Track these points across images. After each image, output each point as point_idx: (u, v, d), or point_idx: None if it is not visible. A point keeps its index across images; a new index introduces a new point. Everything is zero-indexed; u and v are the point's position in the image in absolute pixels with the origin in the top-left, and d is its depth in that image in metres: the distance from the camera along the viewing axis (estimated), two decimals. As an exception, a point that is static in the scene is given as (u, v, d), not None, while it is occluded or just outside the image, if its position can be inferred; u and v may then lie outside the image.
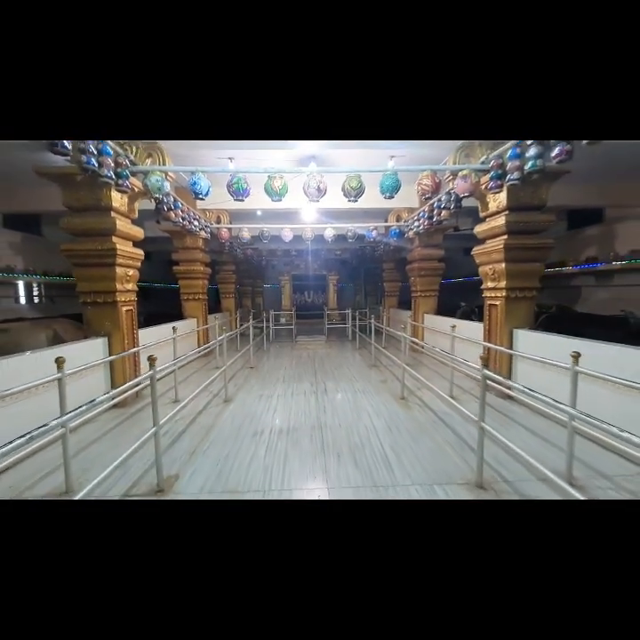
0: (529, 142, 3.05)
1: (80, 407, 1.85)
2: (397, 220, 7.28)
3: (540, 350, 3.51)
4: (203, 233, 6.37)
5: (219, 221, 7.17)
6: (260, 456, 2.86)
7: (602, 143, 2.65)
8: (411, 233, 6.61)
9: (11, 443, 1.40)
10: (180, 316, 7.29)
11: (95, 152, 2.95)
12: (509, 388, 3.82)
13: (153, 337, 4.94)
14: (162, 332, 5.41)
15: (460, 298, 8.41)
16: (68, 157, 2.67)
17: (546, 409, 3.40)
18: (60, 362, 2.28)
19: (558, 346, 3.35)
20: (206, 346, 5.02)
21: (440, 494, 2.28)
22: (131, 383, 2.44)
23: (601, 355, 2.92)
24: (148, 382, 2.42)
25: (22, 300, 8.91)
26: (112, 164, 3.23)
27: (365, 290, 15.40)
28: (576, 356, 2.29)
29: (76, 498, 1.82)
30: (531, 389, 1.83)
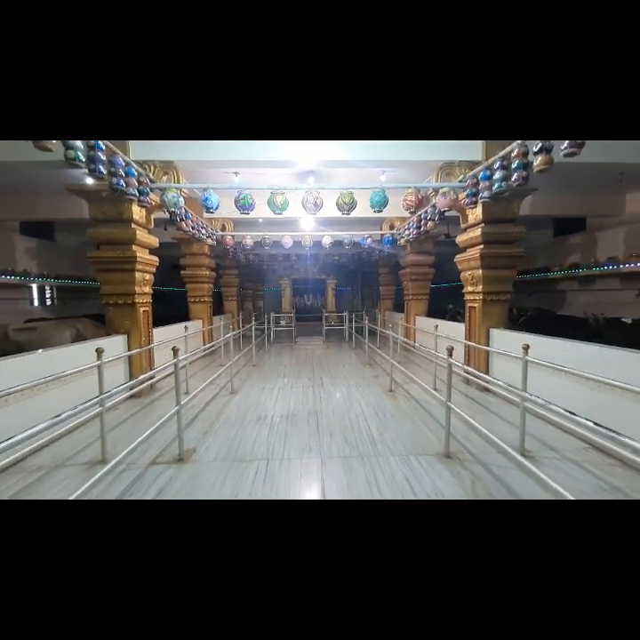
0: (496, 166, 3.55)
1: (117, 387, 2.33)
2: (391, 228, 7.79)
3: (511, 346, 3.98)
4: (209, 240, 6.86)
5: (223, 229, 7.68)
6: (264, 435, 3.33)
7: (576, 162, 3.05)
8: (402, 241, 7.10)
9: (58, 415, 1.71)
10: (182, 317, 7.75)
11: (123, 174, 3.45)
12: (485, 380, 4.29)
13: (164, 335, 5.43)
14: (172, 331, 5.90)
15: (450, 300, 8.88)
16: (103, 179, 3.15)
17: (512, 397, 3.87)
18: (99, 351, 2.76)
19: (523, 341, 3.82)
20: (215, 343, 5.49)
21: (414, 463, 2.75)
22: (157, 369, 2.91)
23: (559, 348, 3.41)
24: (162, 375, 2.89)
25: (36, 302, 9.40)
26: (136, 183, 3.73)
27: (362, 293, 15.91)
28: (526, 348, 2.77)
29: (109, 466, 2.26)
30: (481, 372, 2.30)
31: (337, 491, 2.37)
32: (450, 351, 2.78)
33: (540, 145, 2.87)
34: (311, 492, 2.37)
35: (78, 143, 2.80)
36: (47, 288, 9.83)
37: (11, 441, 1.40)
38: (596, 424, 1.39)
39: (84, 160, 2.85)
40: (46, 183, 5.89)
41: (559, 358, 3.14)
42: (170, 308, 10.53)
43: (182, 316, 7.86)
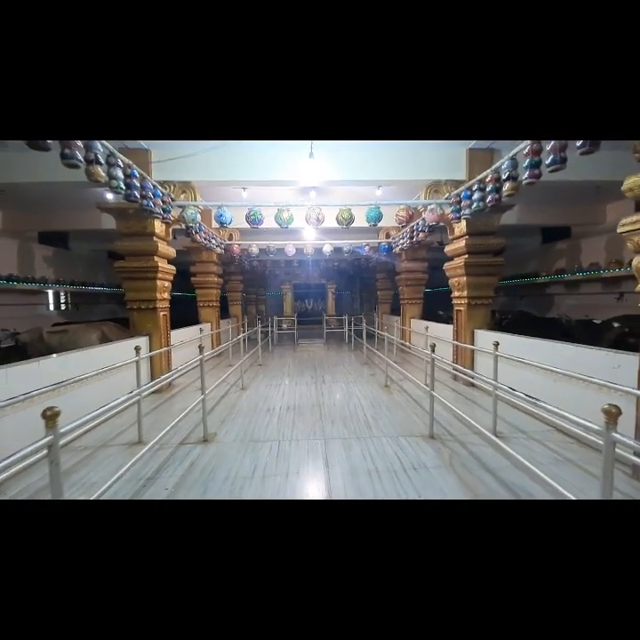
0: (475, 188, 4.09)
1: (155, 380, 2.84)
2: (387, 237, 8.34)
3: (491, 345, 4.50)
4: (218, 249, 7.40)
5: (231, 238, 8.23)
6: (274, 422, 3.84)
7: (553, 180, 3.52)
8: (397, 249, 7.65)
9: (104, 406, 1.93)
10: (187, 322, 8.12)
11: (152, 196, 3.98)
12: (463, 372, 4.80)
13: (178, 337, 5.95)
14: (185, 333, 6.44)
15: (441, 306, 9.35)
16: (137, 201, 3.69)
17: (489, 388, 4.38)
18: (137, 349, 3.27)
19: (502, 340, 4.34)
20: (226, 344, 6.00)
21: (403, 442, 3.25)
22: (183, 365, 3.42)
23: (529, 345, 3.93)
24: (184, 371, 3.39)
25: (51, 307, 9.93)
26: (161, 203, 4.26)
27: (361, 297, 16.44)
28: (496, 345, 3.29)
29: (148, 446, 2.72)
30: (467, 368, 2.80)
31: (338, 462, 2.88)
32: (433, 347, 3.30)
33: (507, 174, 3.41)
34: (316, 463, 2.88)
35: (119, 173, 3.33)
36: (61, 293, 10.35)
37: (75, 423, 1.61)
38: (526, 395, 1.90)
39: (124, 188, 3.38)
40: (64, 197, 6.44)
41: (530, 354, 3.65)
42: (176, 313, 10.97)
43: (186, 320, 8.31)
